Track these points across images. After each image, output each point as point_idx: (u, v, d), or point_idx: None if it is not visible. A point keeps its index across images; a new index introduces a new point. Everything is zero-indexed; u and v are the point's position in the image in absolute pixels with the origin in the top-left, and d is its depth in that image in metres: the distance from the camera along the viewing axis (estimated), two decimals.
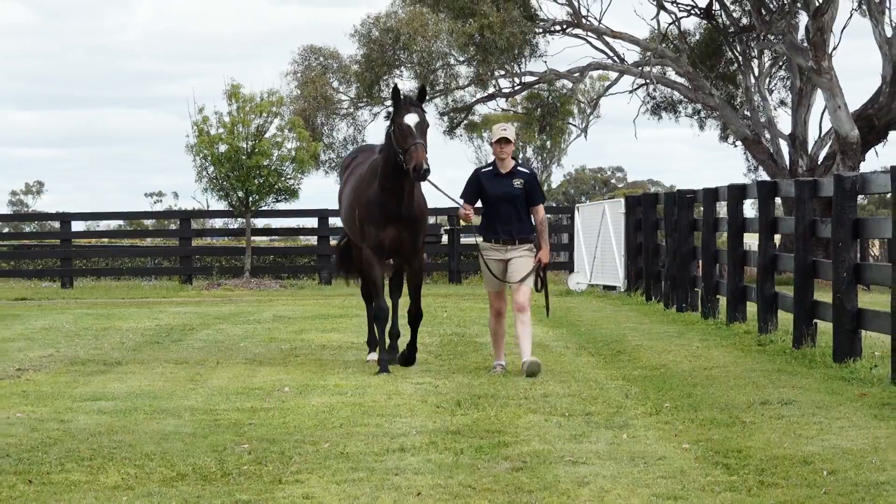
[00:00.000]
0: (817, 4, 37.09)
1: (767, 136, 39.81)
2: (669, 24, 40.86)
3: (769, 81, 41.61)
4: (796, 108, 39.62)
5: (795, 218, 15.83)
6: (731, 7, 40.50)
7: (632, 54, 41.37)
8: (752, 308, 18.45)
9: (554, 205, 69.29)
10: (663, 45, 40.46)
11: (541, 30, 40.43)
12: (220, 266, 36.95)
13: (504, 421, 10.59)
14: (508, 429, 10.21)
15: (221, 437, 9.91)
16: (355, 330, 18.71)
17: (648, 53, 40.16)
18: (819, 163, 38.76)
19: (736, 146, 42.45)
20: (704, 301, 20.81)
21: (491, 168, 13.73)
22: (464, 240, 36.96)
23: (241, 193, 33.29)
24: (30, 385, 13.22)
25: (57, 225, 38.35)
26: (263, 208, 34.23)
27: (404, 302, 14.78)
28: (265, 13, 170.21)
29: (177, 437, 9.96)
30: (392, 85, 14.13)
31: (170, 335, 18.79)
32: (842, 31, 38.17)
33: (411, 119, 13.56)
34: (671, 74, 40.97)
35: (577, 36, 40.77)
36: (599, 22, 40.42)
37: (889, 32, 36.97)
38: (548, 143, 66.09)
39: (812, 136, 39.59)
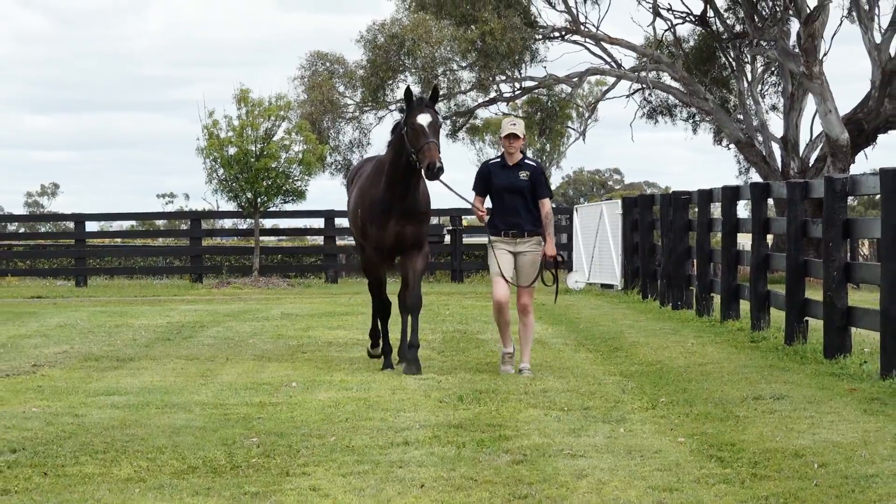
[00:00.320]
0: (808, 11, 37.08)
1: (760, 139, 39.80)
2: (665, 31, 40.90)
3: (762, 86, 41.58)
4: (788, 112, 39.61)
5: (787, 218, 15.83)
6: (725, 14, 40.48)
7: (628, 60, 41.40)
8: (745, 306, 18.44)
9: (553, 206, 69.23)
10: (659, 50, 40.47)
11: (540, 36, 40.43)
12: (229, 265, 36.94)
13: (505, 415, 10.59)
14: (509, 423, 10.21)
15: (231, 431, 9.91)
16: (361, 327, 18.70)
17: (644, 59, 40.17)
18: (810, 165, 38.75)
19: (729, 149, 42.44)
20: (699, 299, 20.80)
21: (499, 160, 13.53)
22: (466, 240, 36.96)
23: (249, 195, 33.29)
24: (45, 380, 13.22)
25: (71, 225, 38.29)
26: (271, 209, 34.23)
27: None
28: (274, 20, 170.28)
29: (187, 430, 9.96)
30: (405, 87, 13.83)
31: (181, 332, 18.79)
32: (832, 38, 38.16)
33: (424, 119, 13.30)
34: (666, 79, 40.97)
35: (575, 42, 40.79)
36: (597, 28, 40.44)
37: (878, 39, 36.96)
38: (547, 145, 66.09)
39: (803, 139, 39.61)
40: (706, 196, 21.09)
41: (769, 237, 18.89)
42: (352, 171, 15.32)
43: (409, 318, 13.86)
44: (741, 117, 40.22)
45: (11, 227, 44.63)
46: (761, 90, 41.41)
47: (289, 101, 34.92)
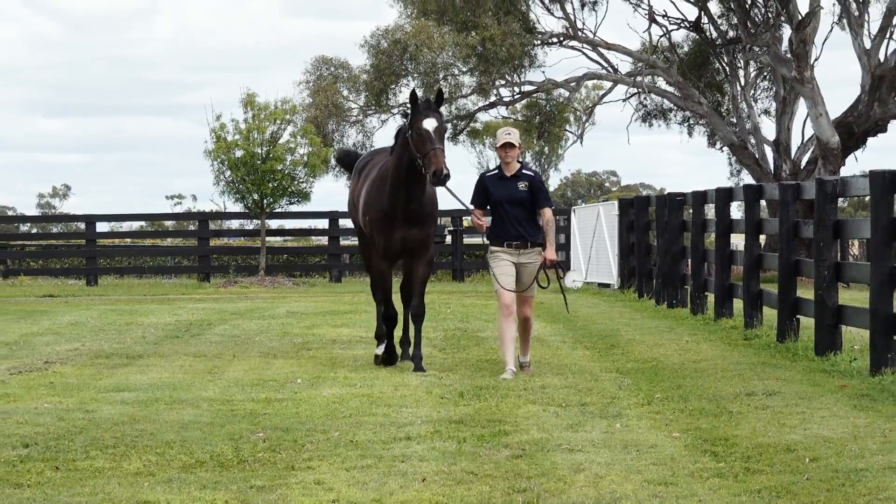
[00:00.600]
0: (800, 18, 37.07)
1: (753, 142, 39.79)
2: (660, 37, 40.87)
3: (755, 90, 41.59)
4: (780, 116, 39.61)
5: (779, 219, 15.81)
6: (719, 20, 40.48)
7: (625, 65, 41.42)
8: (738, 304, 18.43)
9: (553, 207, 69.22)
10: (654, 56, 40.45)
11: (539, 42, 40.44)
12: (236, 265, 36.92)
13: (504, 411, 10.58)
14: (508, 418, 10.20)
15: (237, 427, 9.90)
16: (364, 325, 18.69)
17: (640, 64, 40.16)
18: (802, 167, 38.73)
19: (723, 151, 42.45)
20: (693, 298, 20.79)
21: (496, 172, 13.14)
22: (467, 240, 36.95)
23: (256, 196, 33.27)
24: (57, 377, 13.22)
25: (82, 226, 38.27)
26: (277, 210, 34.22)
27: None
28: (279, 26, 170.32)
29: (195, 426, 9.96)
30: (411, 90, 13.51)
31: (189, 330, 18.78)
32: (823, 43, 38.47)
33: (430, 124, 12.96)
34: (662, 84, 40.97)
35: (573, 48, 40.80)
36: (594, 34, 40.43)
37: (867, 44, 36.96)
38: (546, 148, 66.12)
39: (795, 142, 39.61)
40: (700, 197, 21.08)
41: (762, 237, 18.91)
42: (359, 161, 14.88)
43: (413, 327, 13.80)
44: (734, 121, 40.21)
45: (24, 228, 44.66)
46: (754, 94, 41.41)
47: (294, 105, 34.93)
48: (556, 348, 15.70)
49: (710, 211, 21.58)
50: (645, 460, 8.46)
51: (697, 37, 40.86)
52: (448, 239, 35.71)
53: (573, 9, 40.34)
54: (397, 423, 10.03)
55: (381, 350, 14.36)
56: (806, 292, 15.68)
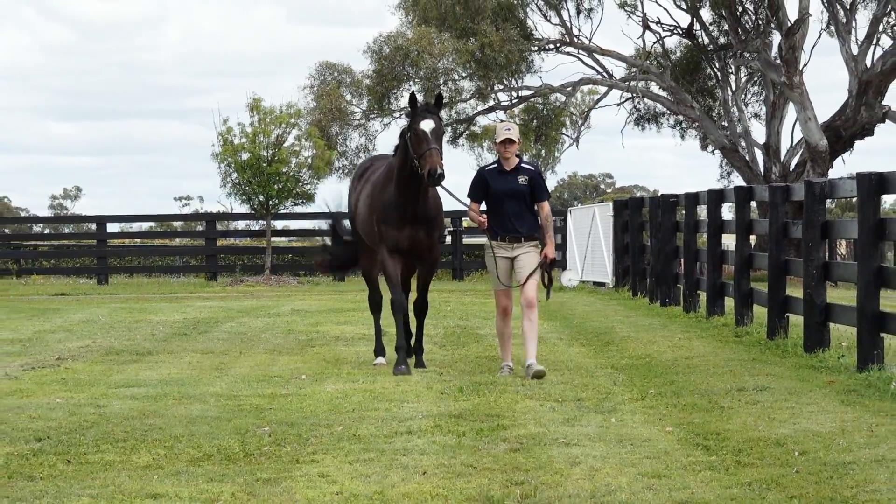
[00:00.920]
0: (789, 25, 37.07)
1: (743, 145, 39.77)
2: (654, 43, 40.85)
3: (745, 95, 41.54)
4: (770, 120, 39.59)
5: (769, 220, 15.81)
6: (711, 27, 40.45)
7: (619, 70, 41.35)
8: (729, 302, 18.43)
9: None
10: (648, 61, 40.44)
11: (536, 48, 40.42)
12: (242, 264, 36.93)
13: (503, 406, 10.57)
14: (506, 413, 10.19)
15: (244, 421, 9.90)
16: (367, 323, 18.64)
17: (634, 69, 40.15)
18: (791, 170, 38.72)
19: (714, 154, 42.41)
20: (686, 296, 20.79)
21: (496, 165, 12.83)
22: (466, 240, 36.93)
23: (261, 197, 33.29)
24: (68, 373, 13.22)
25: (93, 226, 38.27)
26: (282, 211, 34.24)
27: (411, 298, 14.62)
28: (285, 33, 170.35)
29: (203, 420, 9.95)
30: (410, 93, 13.37)
31: (196, 327, 18.78)
32: (812, 49, 38.32)
33: (427, 125, 12.77)
34: (655, 89, 40.94)
35: (569, 53, 40.77)
36: (590, 41, 40.42)
37: (855, 50, 36.95)
38: (542, 151, 66.06)
39: (784, 145, 39.57)
40: (693, 199, 21.07)
41: (752, 238, 18.91)
42: (359, 167, 14.72)
43: (416, 321, 13.71)
44: (726, 124, 40.20)
45: (37, 229, 44.66)
46: (745, 99, 41.38)
47: (299, 109, 34.94)
48: (553, 345, 15.69)
49: (702, 212, 21.58)
50: (639, 454, 8.45)
51: (690, 43, 40.82)
52: (448, 239, 35.70)
53: (569, 16, 40.35)
54: (399, 417, 10.02)
55: (380, 361, 13.89)
56: (795, 291, 15.68)
